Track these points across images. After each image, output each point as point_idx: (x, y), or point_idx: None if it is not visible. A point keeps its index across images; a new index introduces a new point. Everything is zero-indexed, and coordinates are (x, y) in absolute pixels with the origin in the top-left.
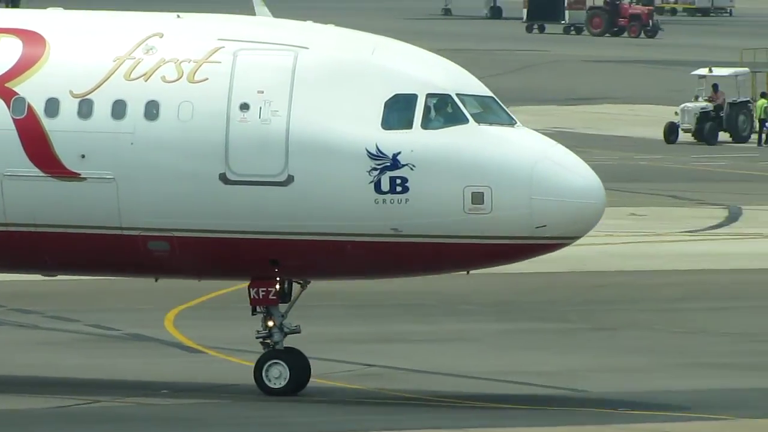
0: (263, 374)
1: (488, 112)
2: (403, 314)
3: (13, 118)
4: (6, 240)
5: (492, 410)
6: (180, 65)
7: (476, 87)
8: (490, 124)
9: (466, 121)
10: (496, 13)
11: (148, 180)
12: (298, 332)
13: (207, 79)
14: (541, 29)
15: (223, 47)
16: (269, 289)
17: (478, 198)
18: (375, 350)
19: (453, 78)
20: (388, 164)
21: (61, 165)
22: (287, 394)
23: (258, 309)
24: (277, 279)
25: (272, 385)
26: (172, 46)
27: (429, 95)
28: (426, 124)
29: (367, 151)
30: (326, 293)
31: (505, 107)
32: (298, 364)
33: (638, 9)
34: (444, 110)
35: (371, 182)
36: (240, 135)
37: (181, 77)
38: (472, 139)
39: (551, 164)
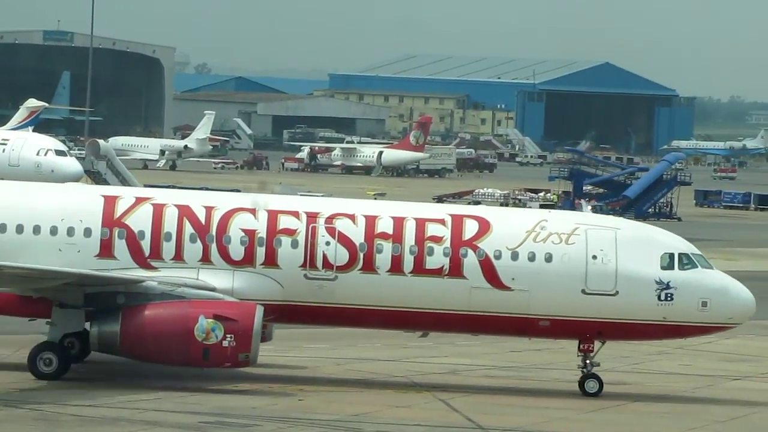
0: (584, 385)
1: (702, 262)
2: None
3: (477, 259)
4: (471, 319)
5: None
6: (560, 235)
7: (696, 249)
8: (705, 268)
9: (697, 266)
10: None
11: (545, 291)
12: (599, 365)
13: (575, 243)
14: None
15: (579, 227)
16: (591, 345)
17: (705, 304)
18: None
19: (687, 246)
20: (665, 287)
21: (502, 283)
22: (597, 394)
23: (579, 354)
24: (594, 340)
25: (589, 391)
26: (554, 226)
27: (679, 254)
28: (680, 267)
29: (655, 280)
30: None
31: (707, 259)
32: (598, 379)
33: None
34: (685, 261)
35: (656, 295)
36: (592, 270)
37: (561, 241)
38: (700, 275)
39: (736, 287)
